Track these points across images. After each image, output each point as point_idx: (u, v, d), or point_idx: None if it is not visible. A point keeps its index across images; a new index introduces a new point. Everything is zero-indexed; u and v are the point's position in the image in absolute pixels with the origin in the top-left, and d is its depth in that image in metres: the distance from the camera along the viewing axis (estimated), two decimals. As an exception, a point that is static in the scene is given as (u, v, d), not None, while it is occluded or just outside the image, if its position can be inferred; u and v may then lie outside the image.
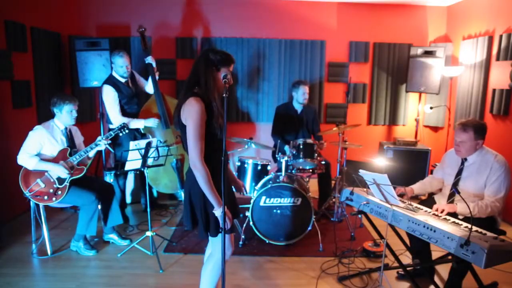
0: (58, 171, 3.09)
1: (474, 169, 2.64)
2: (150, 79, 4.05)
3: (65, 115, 3.17)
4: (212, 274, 2.23)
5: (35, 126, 3.15)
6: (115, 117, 3.70)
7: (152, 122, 3.86)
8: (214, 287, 2.26)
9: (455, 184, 2.71)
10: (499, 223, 2.65)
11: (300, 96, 4.22)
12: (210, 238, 2.19)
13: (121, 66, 3.69)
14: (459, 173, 2.72)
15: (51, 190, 3.11)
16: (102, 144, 3.21)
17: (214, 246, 2.19)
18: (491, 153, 2.62)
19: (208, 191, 1.97)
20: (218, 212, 2.00)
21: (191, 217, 2.14)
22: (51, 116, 3.25)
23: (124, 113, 3.78)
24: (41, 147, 3.11)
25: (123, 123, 3.34)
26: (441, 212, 2.46)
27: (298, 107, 4.31)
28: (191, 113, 1.94)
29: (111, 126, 3.78)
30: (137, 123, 3.81)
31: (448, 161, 2.86)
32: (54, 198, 3.12)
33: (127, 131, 3.35)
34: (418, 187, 2.92)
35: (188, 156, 1.99)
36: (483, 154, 2.63)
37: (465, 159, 2.69)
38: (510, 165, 3.14)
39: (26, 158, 3.04)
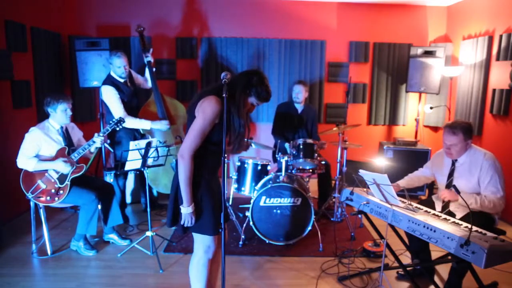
0: (59, 167, 3.08)
1: (465, 169, 2.64)
2: (148, 75, 4.06)
3: (59, 114, 3.15)
4: (196, 274, 2.25)
5: (30, 128, 3.13)
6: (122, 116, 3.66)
7: (160, 125, 3.86)
8: (205, 283, 2.25)
9: (449, 186, 2.71)
10: (496, 222, 2.66)
11: (294, 95, 4.27)
12: (194, 236, 2.21)
13: (119, 67, 3.66)
14: (451, 173, 2.72)
15: (53, 190, 3.11)
16: (98, 141, 3.18)
17: (196, 244, 2.23)
18: (480, 152, 2.62)
19: (185, 185, 1.99)
20: (184, 209, 2.03)
21: (173, 213, 2.16)
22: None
23: (129, 111, 3.74)
24: (39, 148, 3.10)
25: (120, 117, 3.30)
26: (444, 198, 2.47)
27: (299, 107, 4.32)
28: (205, 109, 1.96)
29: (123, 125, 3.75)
30: (144, 124, 3.80)
31: (439, 162, 2.85)
32: (56, 198, 3.12)
33: (123, 124, 3.30)
34: (405, 182, 2.93)
35: (182, 145, 2.00)
36: (472, 153, 2.64)
37: (455, 160, 2.70)
38: (510, 165, 3.14)
39: (24, 160, 3.04)
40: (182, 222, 2.07)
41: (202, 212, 2.09)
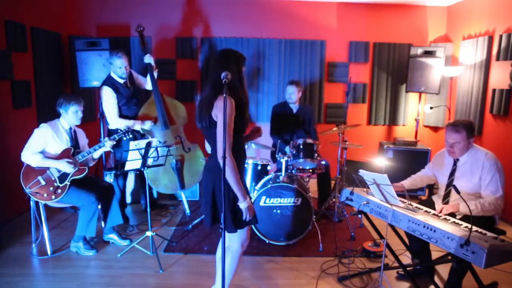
0: (62, 166, 3.10)
1: (467, 168, 2.64)
2: (148, 77, 4.06)
3: (70, 116, 3.19)
4: (230, 266, 2.31)
5: (41, 124, 3.17)
6: (113, 120, 3.69)
7: (147, 125, 3.85)
8: (231, 279, 2.32)
9: (449, 185, 2.71)
10: (497, 222, 2.66)
11: (287, 95, 4.24)
12: (228, 232, 2.25)
13: (119, 67, 3.66)
14: (452, 173, 2.72)
15: (51, 188, 3.12)
16: (107, 144, 3.22)
17: (232, 239, 2.27)
18: (482, 151, 2.63)
19: (236, 183, 2.07)
20: (243, 204, 2.11)
21: (212, 213, 2.21)
22: (51, 116, 3.27)
23: (123, 114, 3.77)
24: (46, 144, 3.12)
25: (127, 127, 3.35)
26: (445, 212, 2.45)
27: (294, 107, 4.30)
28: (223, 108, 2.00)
29: (110, 127, 3.78)
30: (135, 126, 3.80)
31: (441, 161, 2.85)
32: (53, 196, 3.12)
33: (131, 135, 3.35)
34: (408, 183, 2.94)
35: (217, 149, 2.07)
36: (473, 153, 2.64)
37: (457, 160, 2.69)
38: (510, 165, 3.12)
39: (30, 154, 3.06)
40: (244, 217, 2.14)
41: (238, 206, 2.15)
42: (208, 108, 2.09)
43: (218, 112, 2.05)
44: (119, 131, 3.34)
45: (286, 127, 4.32)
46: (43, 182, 3.10)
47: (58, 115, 3.25)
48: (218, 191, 2.16)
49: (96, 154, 3.30)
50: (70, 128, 3.27)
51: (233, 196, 2.14)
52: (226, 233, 2.23)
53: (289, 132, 4.32)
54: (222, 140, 1.99)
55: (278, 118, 4.34)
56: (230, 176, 2.04)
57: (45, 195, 3.11)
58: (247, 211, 2.12)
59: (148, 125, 3.86)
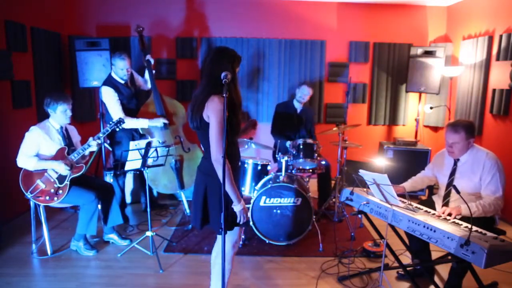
0: (58, 168, 3.09)
1: (467, 168, 2.64)
2: (148, 76, 4.07)
3: (59, 115, 3.16)
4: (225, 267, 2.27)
5: (31, 127, 3.13)
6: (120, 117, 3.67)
7: (157, 122, 3.85)
8: (226, 282, 2.28)
9: (450, 185, 2.71)
10: (497, 222, 2.66)
11: (299, 94, 4.29)
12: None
13: (121, 69, 3.66)
14: (453, 173, 2.72)
15: (52, 190, 3.11)
16: (93, 145, 3.17)
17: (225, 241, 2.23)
18: (482, 151, 2.63)
19: (230, 186, 2.02)
20: (238, 207, 2.06)
21: (202, 215, 2.17)
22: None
23: (128, 113, 3.76)
24: (38, 147, 3.10)
25: (120, 118, 3.29)
26: (448, 215, 2.44)
27: (298, 107, 4.33)
28: (215, 110, 1.97)
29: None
30: (142, 122, 3.80)
31: (441, 162, 2.85)
32: (55, 198, 3.12)
33: (123, 125, 3.28)
34: (409, 185, 2.94)
35: (210, 151, 2.02)
36: (474, 152, 2.64)
37: (457, 159, 2.69)
38: (510, 165, 3.11)
39: (25, 159, 3.04)
40: (238, 220, 2.10)
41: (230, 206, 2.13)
42: (200, 109, 2.04)
43: (210, 113, 2.00)
44: (110, 122, 3.26)
45: (289, 126, 4.33)
46: (42, 185, 3.09)
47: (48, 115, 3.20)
48: (209, 192, 2.12)
49: (86, 152, 3.26)
50: (61, 127, 3.24)
51: (225, 198, 2.10)
52: (218, 235, 2.23)
53: (292, 132, 4.33)
54: (216, 142, 1.96)
55: (281, 117, 4.36)
56: (223, 178, 1.98)
57: (48, 197, 3.11)
58: (241, 214, 2.08)
59: (157, 122, 3.84)
